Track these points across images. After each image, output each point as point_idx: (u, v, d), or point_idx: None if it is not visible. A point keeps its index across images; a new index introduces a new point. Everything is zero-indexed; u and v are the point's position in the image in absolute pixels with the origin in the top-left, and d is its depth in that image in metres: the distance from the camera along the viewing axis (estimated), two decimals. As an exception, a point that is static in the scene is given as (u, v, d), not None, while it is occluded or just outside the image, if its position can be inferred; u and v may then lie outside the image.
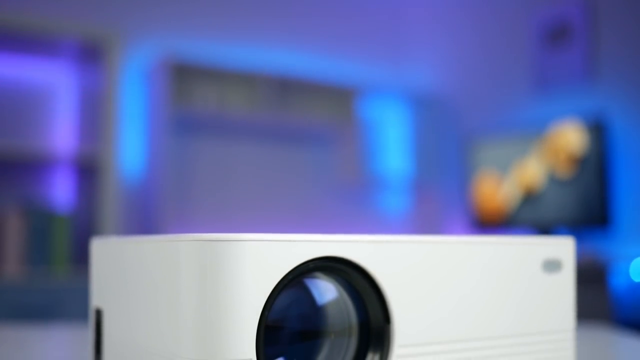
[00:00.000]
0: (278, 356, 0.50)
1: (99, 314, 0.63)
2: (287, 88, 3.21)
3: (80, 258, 2.51)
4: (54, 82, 2.70)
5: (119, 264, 0.59)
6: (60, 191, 2.67)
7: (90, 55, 2.65)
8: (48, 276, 2.43)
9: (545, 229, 2.91)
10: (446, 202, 3.60)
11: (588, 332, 1.11)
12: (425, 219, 3.59)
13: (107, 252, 0.63)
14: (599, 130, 2.77)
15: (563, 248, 0.63)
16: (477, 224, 3.28)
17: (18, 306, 2.30)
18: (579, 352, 0.70)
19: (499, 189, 3.18)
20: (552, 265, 0.62)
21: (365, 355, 0.52)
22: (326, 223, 3.38)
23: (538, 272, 0.61)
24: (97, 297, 0.64)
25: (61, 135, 2.69)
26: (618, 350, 1.06)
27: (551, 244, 0.62)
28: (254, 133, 3.25)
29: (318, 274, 0.51)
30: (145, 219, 2.91)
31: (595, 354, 0.95)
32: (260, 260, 0.47)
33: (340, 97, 3.36)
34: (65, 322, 1.83)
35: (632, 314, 2.54)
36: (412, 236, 0.54)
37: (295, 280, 0.50)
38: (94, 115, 2.64)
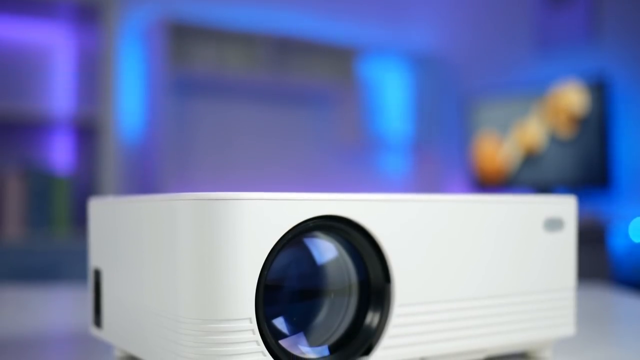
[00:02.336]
0: (277, 315, 0.50)
1: (97, 274, 0.63)
2: (286, 48, 3.18)
3: (80, 219, 2.51)
4: (52, 43, 2.67)
5: (117, 224, 0.59)
6: (60, 153, 2.66)
7: (87, 16, 2.62)
8: (48, 238, 2.43)
9: (545, 189, 2.91)
10: (446, 162, 3.59)
11: (588, 292, 1.11)
12: (425, 180, 3.59)
13: (105, 213, 0.62)
14: (600, 91, 2.75)
15: (565, 207, 0.62)
16: (477, 184, 3.28)
17: (19, 268, 2.31)
18: (579, 311, 0.70)
19: (499, 149, 3.18)
20: (553, 224, 0.61)
21: (365, 315, 0.52)
22: (326, 184, 3.38)
23: (540, 230, 0.61)
24: (96, 258, 0.64)
25: (60, 96, 2.68)
26: (618, 309, 1.06)
27: (553, 202, 0.62)
28: (253, 93, 3.23)
29: (318, 233, 0.51)
30: (145, 180, 2.91)
31: (595, 312, 0.95)
32: (259, 219, 0.46)
33: (340, 57, 3.34)
34: (66, 283, 1.84)
35: (631, 274, 2.55)
36: (413, 195, 0.54)
37: (295, 239, 0.49)
38: (92, 76, 2.62)
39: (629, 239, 2.60)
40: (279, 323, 0.50)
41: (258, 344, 0.46)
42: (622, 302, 1.09)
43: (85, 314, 0.80)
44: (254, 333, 0.46)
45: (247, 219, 0.46)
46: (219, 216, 0.45)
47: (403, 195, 0.53)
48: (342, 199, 0.50)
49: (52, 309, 1.08)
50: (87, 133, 2.61)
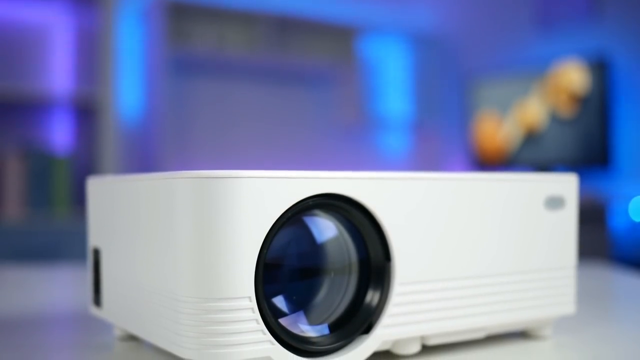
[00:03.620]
0: (277, 294, 0.49)
1: (96, 253, 0.63)
2: (286, 27, 3.17)
3: (80, 199, 2.51)
4: (51, 22, 2.66)
5: (116, 203, 0.59)
6: (59, 133, 2.65)
7: (85, -5, 2.61)
8: (49, 218, 2.43)
9: (545, 168, 2.91)
10: (446, 142, 3.59)
11: (588, 270, 1.11)
12: (426, 159, 3.58)
13: (103, 192, 0.62)
14: (601, 69, 2.74)
15: (566, 185, 0.62)
16: (477, 164, 3.28)
17: (20, 248, 2.31)
18: (579, 289, 0.70)
19: (499, 128, 3.17)
20: (554, 202, 0.61)
21: (365, 293, 0.52)
22: (326, 163, 3.38)
23: (541, 209, 0.60)
24: (95, 237, 0.64)
25: (59, 76, 2.67)
26: (617, 287, 1.06)
27: (554, 181, 0.61)
28: (253, 72, 3.22)
29: (317, 211, 0.51)
30: (145, 160, 2.90)
31: (595, 291, 0.95)
32: (258, 197, 0.46)
33: (340, 36, 3.32)
34: (66, 263, 1.84)
35: (631, 253, 2.56)
36: (413, 173, 0.53)
37: (294, 217, 0.49)
38: (91, 56, 2.61)
39: (629, 218, 2.60)
40: (279, 302, 0.50)
41: (257, 323, 0.46)
42: (622, 280, 1.09)
43: (85, 293, 0.80)
44: (253, 312, 0.46)
45: (246, 197, 0.45)
46: (218, 194, 0.45)
47: (403, 174, 0.53)
48: (341, 177, 0.49)
49: (53, 288, 1.08)
50: (86, 113, 2.61)
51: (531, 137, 3.03)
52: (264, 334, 0.46)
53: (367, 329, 0.52)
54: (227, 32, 3.04)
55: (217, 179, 0.45)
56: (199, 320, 0.45)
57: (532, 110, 3.01)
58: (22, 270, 1.24)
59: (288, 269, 0.51)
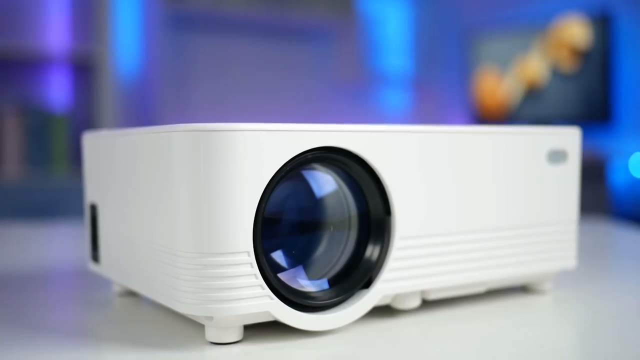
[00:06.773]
0: (276, 249, 0.49)
1: (93, 209, 0.62)
2: (284, -18, 3.13)
3: (79, 156, 2.50)
4: (45, -23, 2.62)
5: (112, 158, 0.58)
6: (57, 90, 2.64)
7: (80, -51, 2.57)
8: (47, 175, 2.43)
9: (546, 124, 2.90)
10: (447, 98, 3.57)
11: (588, 226, 1.11)
12: (426, 115, 3.57)
13: (99, 147, 0.61)
14: (603, 24, 2.71)
15: (569, 138, 0.61)
16: (477, 119, 3.26)
17: (18, 206, 2.31)
18: (579, 244, 0.70)
19: (500, 84, 3.15)
20: (557, 156, 0.60)
21: (365, 248, 0.52)
22: (325, 119, 3.36)
23: (543, 162, 0.60)
24: (92, 193, 0.63)
25: (56, 33, 2.64)
26: (617, 242, 1.06)
27: (556, 134, 0.61)
28: (251, 29, 3.19)
29: (316, 165, 0.50)
30: (143, 116, 2.89)
31: (595, 246, 0.95)
32: (257, 151, 0.45)
33: (339, -9, 3.28)
34: (65, 220, 1.84)
35: (630, 209, 2.56)
36: (414, 126, 0.52)
37: (293, 171, 0.48)
38: (88, 12, 2.58)
39: (629, 173, 2.60)
40: (278, 256, 0.49)
41: (256, 277, 0.46)
42: (621, 236, 1.09)
43: (84, 250, 0.80)
44: (252, 266, 0.45)
45: (244, 151, 0.44)
46: (216, 148, 0.44)
47: (404, 127, 0.52)
48: (341, 130, 0.49)
49: (52, 245, 1.08)
50: (84, 70, 2.59)
51: (532, 93, 3.01)
52: (263, 288, 0.46)
53: (367, 283, 0.51)
54: (224, -14, 3.00)
55: (214, 132, 0.44)
56: (197, 275, 0.45)
57: (533, 66, 2.99)
58: (21, 227, 1.24)
59: (287, 223, 0.50)
